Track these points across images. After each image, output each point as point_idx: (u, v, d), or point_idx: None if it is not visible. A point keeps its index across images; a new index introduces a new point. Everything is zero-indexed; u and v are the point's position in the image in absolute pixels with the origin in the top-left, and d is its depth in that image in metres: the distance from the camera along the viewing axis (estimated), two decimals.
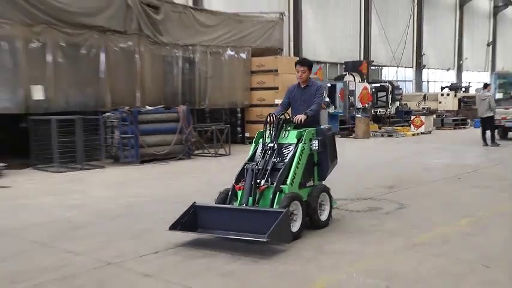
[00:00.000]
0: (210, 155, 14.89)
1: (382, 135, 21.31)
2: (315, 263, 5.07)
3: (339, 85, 22.94)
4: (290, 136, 6.18)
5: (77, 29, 13.43)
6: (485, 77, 37.92)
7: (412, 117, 23.41)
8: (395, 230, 6.28)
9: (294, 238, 5.54)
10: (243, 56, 17.96)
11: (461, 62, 39.57)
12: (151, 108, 14.25)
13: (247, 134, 18.23)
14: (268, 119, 6.31)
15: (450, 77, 37.85)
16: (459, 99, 28.91)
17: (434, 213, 7.20)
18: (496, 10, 42.82)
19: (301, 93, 6.67)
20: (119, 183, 10.75)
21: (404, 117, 25.05)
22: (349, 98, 22.77)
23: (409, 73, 35.34)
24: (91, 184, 10.64)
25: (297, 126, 6.31)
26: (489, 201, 8.18)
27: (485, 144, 16.51)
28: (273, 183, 5.76)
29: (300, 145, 6.00)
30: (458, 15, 39.00)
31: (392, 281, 4.50)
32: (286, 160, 5.94)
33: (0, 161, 11.92)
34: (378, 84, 26.27)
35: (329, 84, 22.88)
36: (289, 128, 6.30)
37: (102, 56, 14.10)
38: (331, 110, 21.73)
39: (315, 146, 6.11)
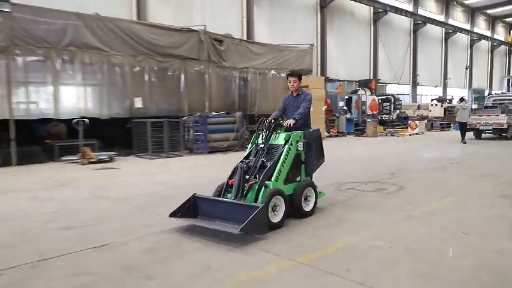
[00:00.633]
0: None
1: (386, 135, 21.04)
2: (336, 228, 5.12)
3: (354, 97, 22.78)
4: (279, 138, 5.55)
5: (165, 58, 13.73)
6: (465, 92, 37.60)
7: (409, 121, 23.08)
8: (396, 205, 6.24)
9: (276, 227, 4.90)
10: (283, 75, 17.93)
11: (446, 80, 38.90)
12: (216, 113, 14.42)
13: None
14: (262, 123, 5.75)
15: (438, 92, 37.19)
16: (444, 109, 28.40)
17: (425, 194, 7.10)
18: (472, 42, 42.43)
19: (293, 101, 6.05)
20: (193, 167, 10.96)
21: (403, 121, 24.58)
22: (361, 107, 22.60)
23: (407, 88, 34.75)
24: (173, 167, 10.89)
25: (287, 129, 5.65)
26: (467, 185, 8.00)
27: (464, 141, 16.22)
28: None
29: (287, 146, 5.37)
30: (444, 46, 38.44)
31: (394, 243, 4.50)
32: (273, 159, 5.31)
33: (112, 150, 12.39)
34: (384, 97, 25.92)
35: (346, 97, 22.76)
36: (279, 131, 5.64)
37: (182, 76, 14.34)
38: (348, 115, 21.58)
39: (300, 147, 5.50)
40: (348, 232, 4.93)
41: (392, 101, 25.22)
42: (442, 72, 38.64)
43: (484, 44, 44.56)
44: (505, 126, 16.94)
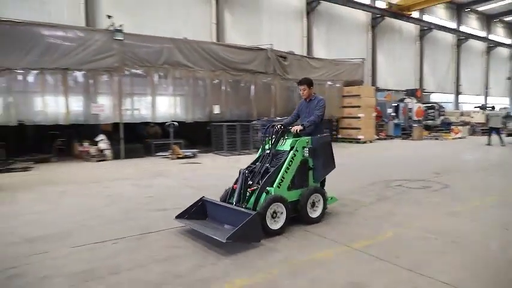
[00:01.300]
0: None
1: (431, 139, 19.80)
2: (386, 220, 4.94)
3: (401, 105, 21.77)
4: (286, 144, 4.81)
5: (238, 72, 13.94)
6: (506, 101, 34.51)
7: (452, 127, 21.62)
8: (441, 202, 5.90)
9: (276, 234, 4.21)
10: (338, 85, 17.55)
11: (487, 89, 35.90)
12: (279, 118, 14.30)
13: (339, 136, 17.82)
14: (270, 130, 5.00)
15: (479, 100, 34.46)
16: (486, 115, 26.21)
17: (468, 192, 6.65)
18: None
19: (306, 106, 5.26)
20: None
21: (446, 127, 23.04)
22: (408, 113, 21.57)
23: (451, 97, 32.48)
24: (243, 163, 10.99)
25: (296, 135, 4.88)
26: (508, 185, 7.37)
27: (489, 144, 15.72)
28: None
29: (291, 152, 4.62)
30: (485, 58, 35.40)
31: (440, 235, 4.28)
32: (278, 165, 4.61)
33: (195, 148, 12.83)
34: (429, 104, 24.51)
35: (395, 104, 21.85)
36: (286, 137, 4.90)
37: (252, 87, 14.48)
38: (396, 121, 20.72)
39: (306, 153, 4.69)
40: (397, 224, 4.75)
41: (437, 108, 23.82)
42: (484, 83, 35.77)
43: None
44: None
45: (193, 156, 11.99)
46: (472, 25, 33.20)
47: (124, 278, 3.28)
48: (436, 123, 23.48)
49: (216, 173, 9.00)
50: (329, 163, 5.03)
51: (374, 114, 17.95)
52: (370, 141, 17.22)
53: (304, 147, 4.72)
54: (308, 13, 20.83)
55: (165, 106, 12.95)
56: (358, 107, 17.05)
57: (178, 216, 4.55)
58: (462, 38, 31.63)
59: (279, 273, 3.34)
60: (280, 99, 15.36)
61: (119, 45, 11.20)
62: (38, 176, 8.64)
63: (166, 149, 12.25)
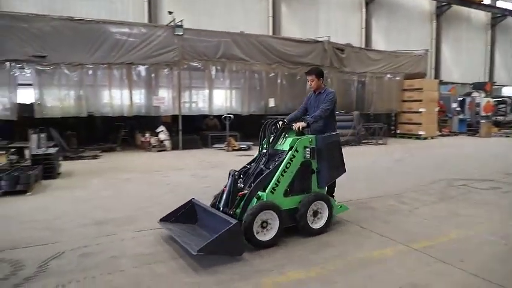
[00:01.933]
0: (373, 143, 14.30)
1: (501, 136, 18.25)
2: (449, 221, 4.68)
3: (468, 99, 20.33)
4: (286, 143, 4.14)
5: (294, 65, 13.80)
6: None
7: None
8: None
9: (268, 246, 3.64)
10: (398, 78, 16.76)
11: None
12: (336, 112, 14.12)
13: (398, 131, 17.08)
14: (273, 126, 4.34)
15: None
16: None
17: None
18: None
19: (315, 99, 4.65)
20: None
21: None
22: (475, 108, 20.08)
23: None
24: None
25: (299, 133, 4.21)
26: None
27: None
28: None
29: (289, 153, 3.96)
30: None
31: (509, 239, 3.96)
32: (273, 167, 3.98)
33: (250, 141, 12.74)
34: (500, 99, 22.61)
35: (460, 98, 20.43)
36: (286, 135, 4.24)
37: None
38: (461, 116, 19.38)
39: (308, 154, 3.99)
40: (461, 225, 4.48)
41: (509, 103, 21.91)
42: None
43: None
44: None
45: (248, 148, 12.14)
46: None
47: (182, 263, 3.43)
48: (508, 119, 21.64)
49: None
50: (337, 166, 4.32)
51: (437, 108, 16.93)
52: (432, 137, 16.30)
53: (305, 147, 4.04)
54: (367, 3, 20.09)
55: (221, 99, 13.22)
56: (420, 101, 16.19)
57: (163, 220, 4.11)
58: None
59: (334, 269, 3.31)
60: (336, 92, 14.90)
61: (179, 40, 11.61)
62: (105, 163, 9.29)
63: (222, 141, 12.56)
